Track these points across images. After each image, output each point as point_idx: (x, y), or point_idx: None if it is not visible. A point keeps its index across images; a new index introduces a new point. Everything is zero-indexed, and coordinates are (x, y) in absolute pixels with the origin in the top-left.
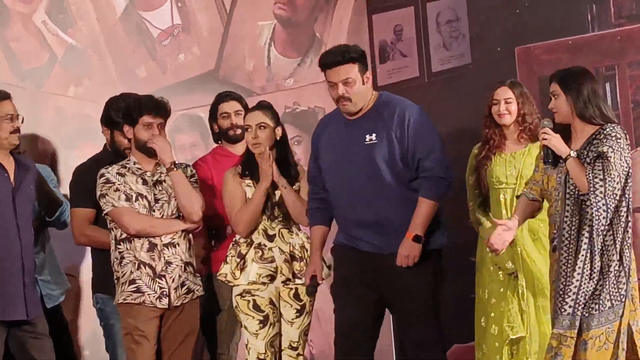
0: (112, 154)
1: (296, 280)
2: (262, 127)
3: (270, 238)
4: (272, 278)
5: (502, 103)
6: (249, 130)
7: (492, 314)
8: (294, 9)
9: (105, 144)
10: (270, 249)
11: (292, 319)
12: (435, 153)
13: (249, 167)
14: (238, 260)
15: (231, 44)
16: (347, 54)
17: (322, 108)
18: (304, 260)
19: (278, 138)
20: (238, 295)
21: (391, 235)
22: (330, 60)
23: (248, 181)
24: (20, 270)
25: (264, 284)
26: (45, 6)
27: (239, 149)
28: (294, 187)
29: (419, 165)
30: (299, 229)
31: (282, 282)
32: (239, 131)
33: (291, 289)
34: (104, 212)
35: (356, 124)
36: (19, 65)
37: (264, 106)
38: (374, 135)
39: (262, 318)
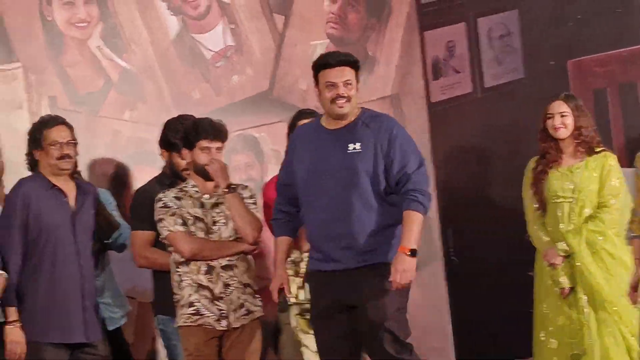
0: (170, 176)
1: None
2: None
3: None
4: None
5: (557, 117)
6: None
7: (550, 328)
8: (346, 28)
9: (164, 166)
10: None
11: None
12: (422, 169)
13: None
14: (297, 279)
15: (284, 64)
16: (352, 58)
17: None
18: None
19: None
20: (298, 314)
21: (364, 250)
22: (335, 59)
23: None
24: (79, 294)
25: None
26: (100, 31)
27: None
28: None
29: (400, 181)
30: None
31: None
32: None
33: None
34: (161, 236)
35: (339, 133)
36: (76, 90)
37: None
38: (358, 144)
39: None
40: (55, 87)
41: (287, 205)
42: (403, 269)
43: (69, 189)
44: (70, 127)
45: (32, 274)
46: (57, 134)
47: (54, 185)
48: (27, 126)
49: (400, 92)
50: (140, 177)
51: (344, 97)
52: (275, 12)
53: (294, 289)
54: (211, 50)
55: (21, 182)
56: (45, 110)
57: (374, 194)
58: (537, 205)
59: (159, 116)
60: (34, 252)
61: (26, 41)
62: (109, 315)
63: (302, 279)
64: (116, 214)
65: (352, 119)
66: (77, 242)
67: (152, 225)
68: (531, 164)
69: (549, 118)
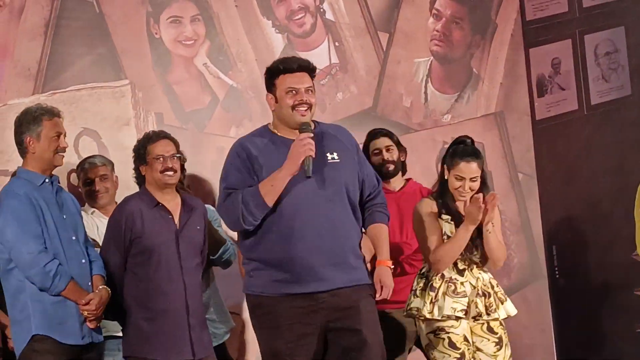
0: None
1: (486, 316)
2: (474, 180)
3: (461, 272)
4: (465, 313)
5: None
6: (462, 181)
7: None
8: (450, 45)
9: None
10: (462, 283)
11: (494, 352)
12: (381, 183)
13: (447, 205)
14: (431, 293)
15: (388, 82)
16: (312, 65)
17: (481, 143)
18: (492, 297)
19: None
20: (431, 332)
21: (346, 267)
22: (297, 64)
23: (446, 216)
24: (184, 312)
25: (457, 318)
26: (206, 49)
27: (394, 184)
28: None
29: (372, 194)
30: (484, 269)
31: (472, 317)
32: (391, 167)
33: (482, 323)
34: None
35: None
36: (182, 107)
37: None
38: (335, 154)
39: (458, 356)
40: (162, 104)
41: None
42: (390, 284)
43: (174, 205)
44: (174, 142)
45: (137, 291)
46: (161, 148)
47: (158, 203)
48: (134, 142)
49: (504, 109)
50: None
51: (306, 104)
52: (380, 29)
53: (427, 305)
54: (316, 68)
55: (126, 200)
56: (152, 127)
57: (351, 207)
58: None
59: None
60: (138, 269)
61: (134, 59)
62: (213, 331)
63: (434, 294)
64: (221, 230)
65: (312, 128)
66: (182, 259)
67: None
68: None
69: None
